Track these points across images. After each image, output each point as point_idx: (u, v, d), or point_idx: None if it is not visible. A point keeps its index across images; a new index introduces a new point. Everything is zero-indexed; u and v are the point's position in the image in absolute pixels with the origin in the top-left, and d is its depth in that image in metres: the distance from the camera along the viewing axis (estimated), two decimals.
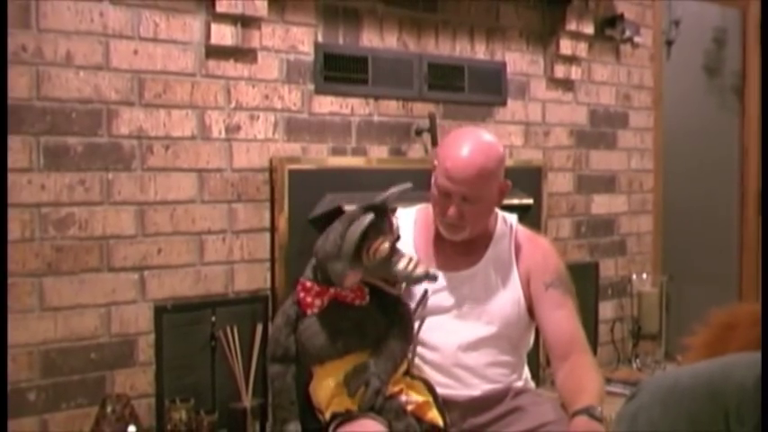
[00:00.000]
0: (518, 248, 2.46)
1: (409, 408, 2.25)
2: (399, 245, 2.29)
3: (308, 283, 2.29)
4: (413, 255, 2.33)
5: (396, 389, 2.27)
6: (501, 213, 2.50)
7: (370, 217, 2.20)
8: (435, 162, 2.40)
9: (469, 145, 2.36)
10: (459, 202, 2.33)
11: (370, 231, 2.20)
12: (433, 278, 2.29)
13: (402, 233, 2.42)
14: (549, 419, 2.31)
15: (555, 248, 2.57)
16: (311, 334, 2.27)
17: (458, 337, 2.38)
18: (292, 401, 2.29)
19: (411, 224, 2.50)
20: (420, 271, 2.26)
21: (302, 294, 2.30)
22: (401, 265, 2.25)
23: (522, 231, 2.51)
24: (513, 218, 2.53)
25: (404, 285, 2.34)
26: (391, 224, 2.29)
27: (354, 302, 2.28)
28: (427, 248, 2.45)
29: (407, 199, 2.43)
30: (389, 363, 2.26)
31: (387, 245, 2.22)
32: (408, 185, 2.33)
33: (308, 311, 2.28)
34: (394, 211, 2.46)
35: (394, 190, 2.28)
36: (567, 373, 2.34)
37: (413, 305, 2.38)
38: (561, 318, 2.39)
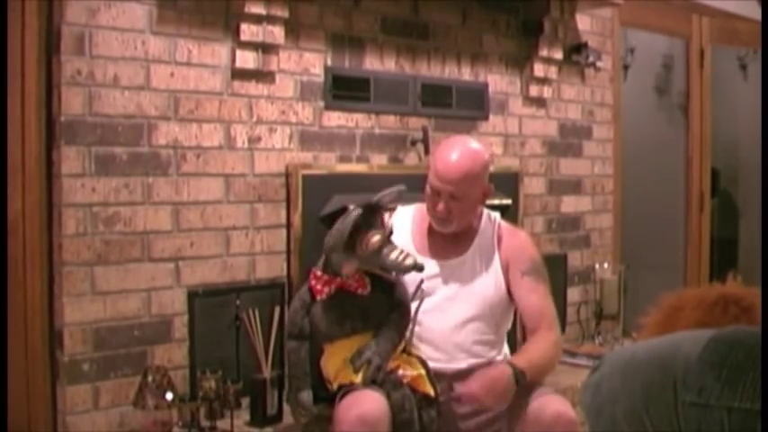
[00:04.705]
0: (500, 239, 2.46)
1: (405, 380, 2.25)
2: (395, 238, 2.26)
3: (318, 273, 2.30)
4: (404, 247, 2.27)
5: (393, 364, 2.28)
6: (486, 211, 2.51)
7: (356, 213, 2.17)
8: (429, 165, 2.41)
9: (459, 150, 2.36)
10: (447, 200, 2.34)
11: (361, 226, 2.18)
12: (420, 268, 2.22)
13: (401, 227, 2.44)
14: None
15: (532, 240, 2.58)
16: (324, 316, 2.28)
17: (449, 318, 2.39)
18: (306, 372, 2.30)
19: (409, 220, 2.50)
20: (409, 261, 2.20)
21: (313, 282, 2.30)
22: (393, 256, 2.20)
23: (504, 225, 2.51)
24: (496, 214, 2.54)
25: (393, 274, 2.30)
26: (383, 220, 2.27)
27: (357, 291, 2.27)
28: (422, 240, 2.46)
29: (405, 200, 2.45)
30: (389, 343, 2.27)
31: (377, 238, 2.19)
32: (401, 187, 2.28)
33: (318, 297, 2.29)
34: (392, 210, 2.46)
35: (387, 191, 2.25)
36: (529, 340, 2.41)
37: (411, 290, 2.38)
38: (534, 301, 2.41)
